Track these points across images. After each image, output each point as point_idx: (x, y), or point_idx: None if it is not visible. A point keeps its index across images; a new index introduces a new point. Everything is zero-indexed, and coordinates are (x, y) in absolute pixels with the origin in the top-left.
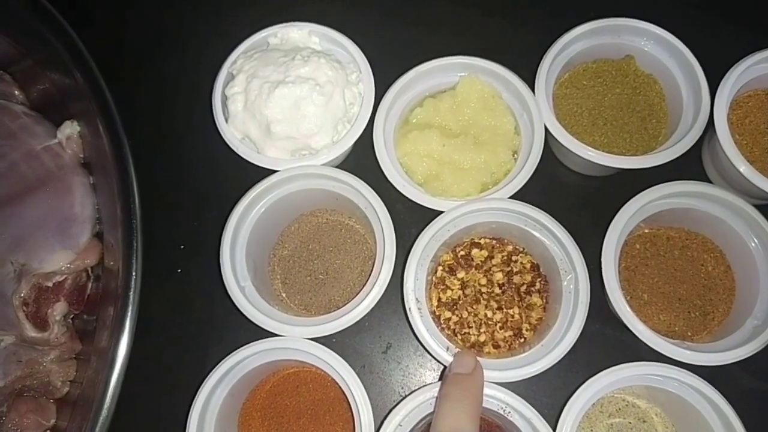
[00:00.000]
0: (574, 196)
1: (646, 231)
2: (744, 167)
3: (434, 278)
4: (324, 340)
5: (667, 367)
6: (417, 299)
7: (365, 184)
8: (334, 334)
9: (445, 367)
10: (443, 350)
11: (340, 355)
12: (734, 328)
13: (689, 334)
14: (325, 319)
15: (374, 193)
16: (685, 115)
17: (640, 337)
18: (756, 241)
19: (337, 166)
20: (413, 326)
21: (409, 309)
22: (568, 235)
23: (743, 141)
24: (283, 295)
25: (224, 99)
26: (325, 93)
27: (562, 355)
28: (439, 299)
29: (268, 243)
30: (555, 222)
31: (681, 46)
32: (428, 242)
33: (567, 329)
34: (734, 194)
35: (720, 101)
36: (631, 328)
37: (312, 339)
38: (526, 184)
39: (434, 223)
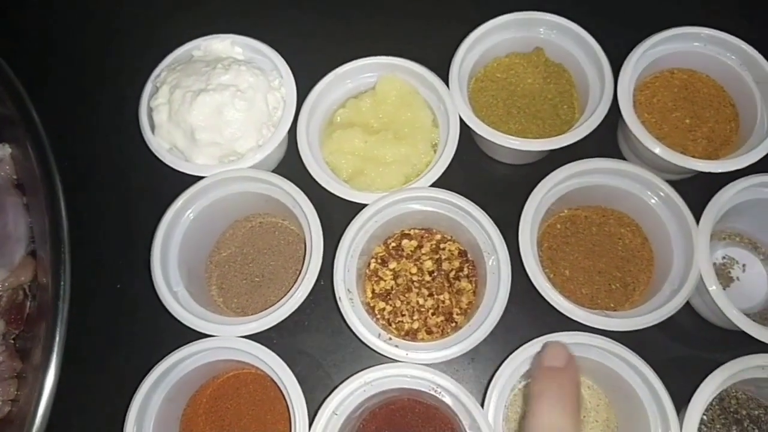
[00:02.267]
0: (500, 184)
1: (566, 212)
2: (649, 143)
3: (368, 271)
4: (266, 342)
5: (586, 334)
6: (348, 290)
7: (290, 183)
8: (275, 335)
9: (394, 361)
10: (375, 337)
11: (282, 355)
12: (653, 294)
13: (612, 305)
14: (257, 317)
15: (299, 191)
16: (593, 100)
17: (558, 308)
18: (657, 200)
19: (269, 170)
20: (344, 315)
21: (340, 299)
22: (488, 217)
23: (652, 119)
24: (220, 300)
25: (149, 111)
26: (247, 98)
27: (486, 334)
28: (373, 291)
29: (204, 249)
30: (474, 206)
31: (585, 34)
32: (356, 234)
33: (491, 309)
34: (639, 167)
35: (623, 83)
36: (549, 301)
37: (251, 340)
38: (452, 175)
39: (359, 216)
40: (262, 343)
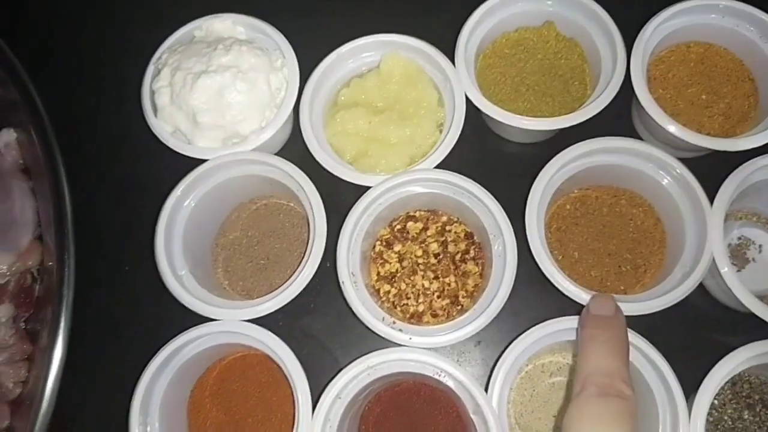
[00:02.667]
0: (509, 163)
1: (576, 192)
2: (663, 120)
3: (373, 254)
4: (272, 324)
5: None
6: (352, 273)
7: (293, 165)
8: (281, 317)
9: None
10: (378, 321)
11: (288, 338)
12: (664, 277)
13: (622, 288)
14: (261, 301)
15: (302, 173)
16: (605, 76)
17: (564, 292)
18: (670, 180)
19: (274, 153)
20: (347, 299)
21: (343, 282)
22: (494, 199)
23: (667, 95)
24: (225, 283)
25: (152, 94)
26: (248, 80)
27: (490, 319)
28: (378, 273)
29: (209, 232)
30: (480, 187)
31: (596, 7)
32: (359, 217)
33: (496, 293)
34: (656, 147)
35: (636, 58)
36: (555, 284)
37: (256, 323)
38: (458, 155)
39: (363, 198)
40: (268, 326)
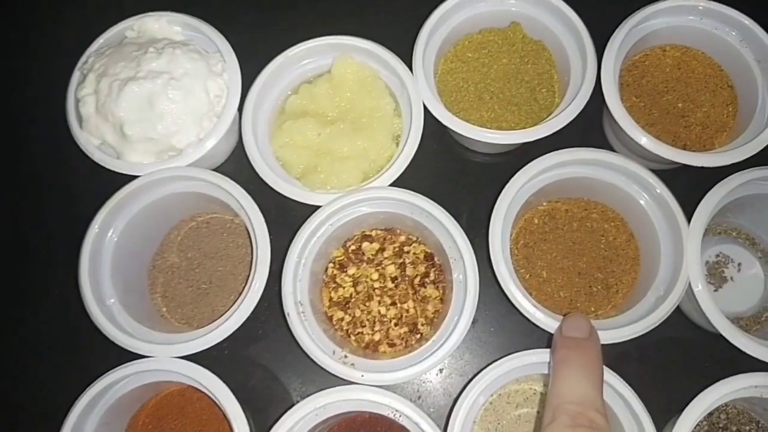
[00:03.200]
0: (473, 175)
1: (545, 204)
2: (634, 132)
3: (325, 277)
4: (216, 353)
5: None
6: (300, 302)
7: (232, 182)
8: (226, 345)
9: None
10: (328, 356)
11: (234, 368)
12: (637, 300)
13: (593, 309)
14: (196, 335)
15: (242, 191)
16: (575, 83)
17: (531, 319)
18: (648, 198)
19: (218, 165)
20: (294, 333)
21: (288, 314)
22: (452, 220)
23: (641, 103)
24: (164, 309)
25: (76, 102)
26: (183, 86)
27: (450, 352)
28: (331, 299)
29: (145, 254)
30: (437, 207)
31: (564, 6)
32: (306, 241)
33: (456, 323)
34: (630, 160)
35: (608, 63)
36: (522, 312)
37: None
38: (418, 167)
39: (309, 221)
40: (212, 355)
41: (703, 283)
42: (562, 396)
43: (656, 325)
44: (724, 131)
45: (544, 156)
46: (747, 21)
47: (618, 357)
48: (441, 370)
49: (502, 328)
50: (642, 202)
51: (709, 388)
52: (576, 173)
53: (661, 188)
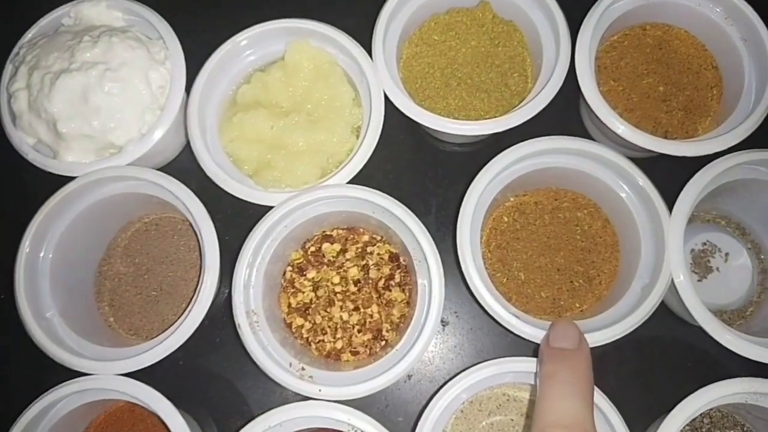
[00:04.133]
0: (442, 168)
1: (512, 200)
2: (611, 120)
3: (283, 281)
4: (170, 364)
5: (525, 360)
6: (252, 311)
7: (176, 181)
8: (182, 355)
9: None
10: (283, 369)
11: (190, 379)
12: (623, 290)
13: (578, 305)
14: (141, 349)
15: (186, 190)
16: (548, 68)
17: (505, 325)
18: (628, 191)
19: (170, 161)
20: (245, 347)
21: (239, 326)
22: (415, 219)
23: (619, 87)
24: (111, 319)
25: (8, 98)
26: (120, 78)
27: (414, 363)
28: (289, 305)
29: (89, 260)
30: (399, 206)
31: None
32: (259, 244)
33: (421, 331)
34: (601, 146)
35: (582, 46)
36: (501, 323)
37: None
38: (381, 160)
39: (261, 222)
40: (165, 366)
41: (685, 273)
42: (550, 416)
43: (643, 321)
44: (708, 116)
45: (506, 151)
46: None
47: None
48: (410, 377)
49: (476, 332)
50: (618, 190)
51: (691, 396)
52: (545, 164)
53: (639, 176)
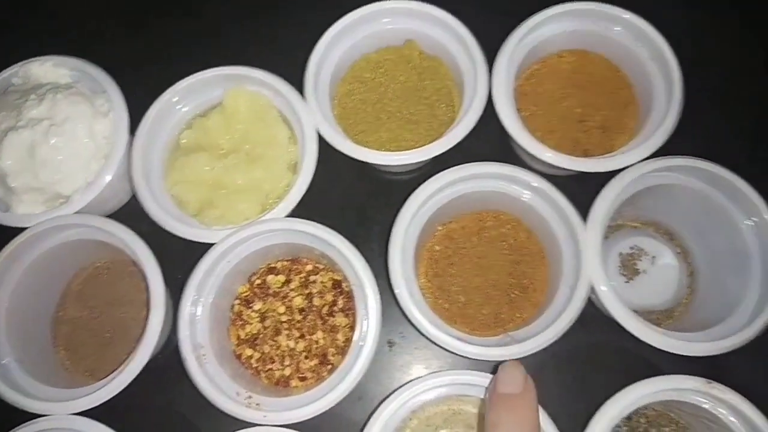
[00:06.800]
0: (382, 195)
1: (440, 229)
2: (529, 144)
3: (232, 315)
4: (127, 402)
5: (471, 374)
6: (199, 344)
7: (120, 225)
8: (137, 392)
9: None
10: (229, 398)
11: (146, 415)
12: (555, 294)
13: (518, 315)
14: (94, 388)
15: (130, 232)
16: (470, 97)
17: (439, 343)
18: (547, 207)
19: (122, 206)
20: (191, 378)
21: (185, 359)
22: (353, 249)
23: (539, 111)
24: (68, 363)
25: None
26: (64, 132)
27: (353, 383)
28: (239, 337)
29: (46, 307)
30: (336, 236)
31: (455, 22)
32: (202, 279)
33: (360, 352)
34: (513, 167)
35: (498, 76)
36: (431, 339)
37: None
38: (321, 191)
39: (203, 259)
40: (123, 404)
41: (605, 283)
42: None
43: (568, 326)
44: (624, 132)
45: (423, 185)
46: (638, 20)
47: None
48: (360, 398)
49: (422, 350)
50: (537, 208)
51: (616, 395)
52: (465, 189)
53: (551, 191)
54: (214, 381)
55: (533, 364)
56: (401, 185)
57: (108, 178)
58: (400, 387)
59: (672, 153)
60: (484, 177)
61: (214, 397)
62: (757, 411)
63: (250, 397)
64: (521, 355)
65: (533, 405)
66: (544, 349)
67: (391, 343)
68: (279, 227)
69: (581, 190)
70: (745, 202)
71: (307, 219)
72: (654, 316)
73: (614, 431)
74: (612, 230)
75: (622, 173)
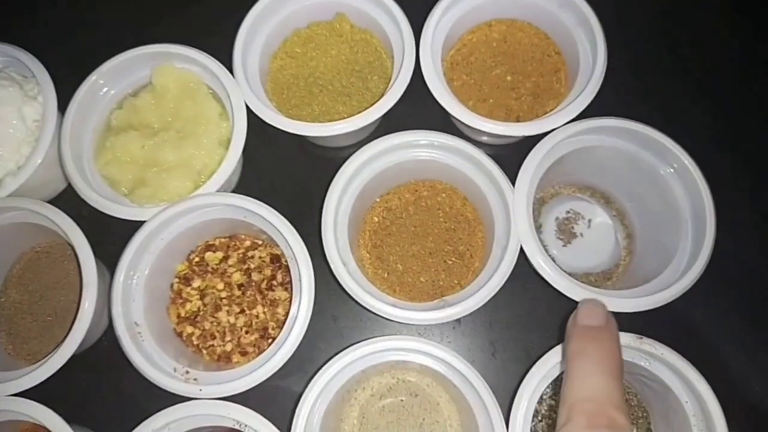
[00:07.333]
0: (320, 170)
1: (377, 201)
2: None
3: (171, 293)
4: (71, 382)
5: (411, 339)
6: (135, 323)
7: (51, 207)
8: (80, 372)
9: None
10: (165, 374)
11: (90, 397)
12: (487, 259)
13: (456, 281)
14: (30, 369)
15: (61, 214)
16: (398, 68)
17: (373, 311)
18: (478, 173)
19: (61, 192)
20: (127, 356)
21: (119, 337)
22: (286, 223)
23: (471, 81)
24: (9, 348)
25: None
26: None
27: (287, 354)
28: (179, 315)
29: None
30: (269, 210)
31: None
32: (133, 258)
33: (294, 323)
34: (445, 135)
35: (425, 46)
36: (366, 307)
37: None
38: (259, 168)
39: (134, 237)
40: (66, 384)
41: (532, 241)
42: (578, 393)
43: (501, 286)
44: (554, 98)
45: (354, 154)
46: None
47: (472, 330)
48: (304, 371)
49: (365, 322)
50: (470, 173)
51: (545, 356)
52: (396, 160)
53: (481, 157)
54: (151, 358)
55: (470, 327)
56: (342, 162)
57: (38, 160)
58: (337, 353)
59: (601, 116)
60: (416, 147)
61: (150, 372)
62: (690, 365)
63: (187, 372)
64: (456, 317)
65: (616, 338)
66: (481, 311)
67: (335, 317)
68: (211, 202)
69: (517, 159)
70: (662, 150)
71: (248, 196)
72: (592, 278)
73: (545, 393)
74: (549, 196)
75: (547, 136)
